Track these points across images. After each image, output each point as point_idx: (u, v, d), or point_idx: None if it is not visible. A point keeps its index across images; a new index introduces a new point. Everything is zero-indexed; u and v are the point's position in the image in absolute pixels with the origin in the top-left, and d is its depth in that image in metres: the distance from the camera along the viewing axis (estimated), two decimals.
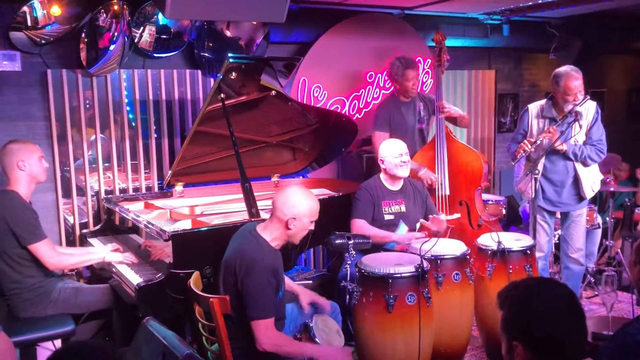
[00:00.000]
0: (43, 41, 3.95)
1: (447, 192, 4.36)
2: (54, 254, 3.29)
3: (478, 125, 6.42)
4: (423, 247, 3.17)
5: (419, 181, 4.11)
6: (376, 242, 3.57)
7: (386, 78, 5.34)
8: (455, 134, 4.63)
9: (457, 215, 4.09)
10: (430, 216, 3.72)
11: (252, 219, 3.33)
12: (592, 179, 4.11)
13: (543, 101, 4.17)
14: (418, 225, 3.84)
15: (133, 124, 4.55)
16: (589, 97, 3.95)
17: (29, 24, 3.87)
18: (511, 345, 1.58)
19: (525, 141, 3.89)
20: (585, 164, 4.06)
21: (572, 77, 3.91)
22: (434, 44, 4.73)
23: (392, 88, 4.75)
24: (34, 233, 3.23)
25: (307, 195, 2.87)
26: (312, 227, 2.90)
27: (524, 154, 3.90)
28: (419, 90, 4.78)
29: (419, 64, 5.36)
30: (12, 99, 4.05)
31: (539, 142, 3.88)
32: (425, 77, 5.59)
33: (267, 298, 2.68)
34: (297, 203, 2.81)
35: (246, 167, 3.58)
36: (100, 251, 3.59)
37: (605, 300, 2.94)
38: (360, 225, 3.67)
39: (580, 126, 3.92)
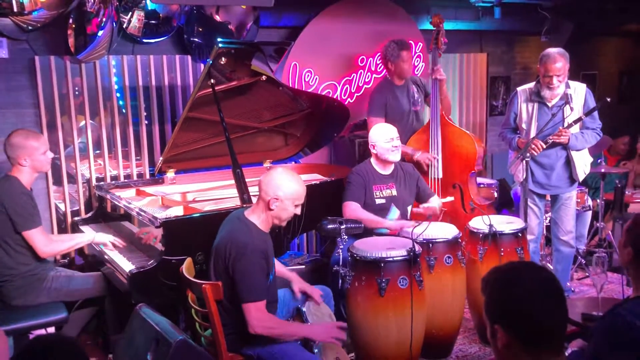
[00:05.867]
0: (30, 27, 3.90)
1: (440, 175, 4.37)
2: (47, 242, 3.30)
3: (470, 108, 6.42)
4: (415, 230, 3.18)
5: (410, 164, 4.12)
6: (369, 226, 3.58)
7: (378, 62, 5.32)
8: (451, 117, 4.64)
9: (450, 199, 4.12)
10: (422, 205, 3.77)
11: (244, 205, 3.32)
12: (584, 162, 4.12)
13: (532, 84, 4.14)
14: (409, 208, 3.86)
15: (123, 110, 4.51)
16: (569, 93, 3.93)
17: (15, 9, 3.81)
18: (493, 329, 1.59)
19: (540, 143, 3.86)
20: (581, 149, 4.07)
21: (553, 58, 3.85)
22: (427, 27, 4.70)
23: (385, 72, 4.73)
24: (29, 219, 3.25)
25: (293, 177, 2.84)
26: (297, 211, 2.86)
27: (535, 154, 3.91)
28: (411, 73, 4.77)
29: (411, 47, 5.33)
30: (0, 87, 4.01)
31: (550, 142, 3.88)
32: (417, 60, 5.56)
33: (258, 281, 2.68)
34: (281, 184, 2.77)
35: (238, 153, 3.57)
36: (89, 234, 3.60)
37: (596, 281, 2.96)
38: (354, 209, 3.67)
39: (572, 109, 3.91)
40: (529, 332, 1.55)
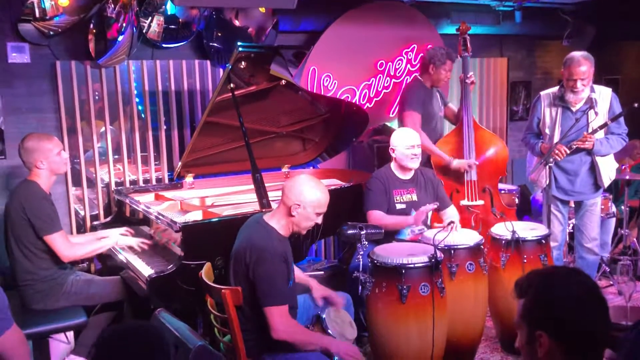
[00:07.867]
0: (51, 32, 3.94)
1: (475, 178, 4.37)
2: (68, 246, 3.30)
3: (490, 113, 6.35)
4: (436, 237, 3.13)
5: (431, 170, 4.07)
6: (395, 228, 3.55)
7: (397, 67, 5.29)
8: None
9: (480, 202, 4.13)
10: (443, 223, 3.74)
11: (263, 210, 3.30)
12: (609, 168, 4.04)
13: (555, 88, 4.08)
14: (430, 214, 3.81)
15: (142, 115, 4.53)
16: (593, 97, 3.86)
17: (37, 15, 3.85)
18: (533, 335, 1.53)
19: (564, 148, 3.80)
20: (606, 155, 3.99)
21: (577, 62, 3.80)
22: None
23: (412, 74, 4.74)
24: (50, 224, 3.24)
25: (317, 185, 2.81)
26: (318, 220, 2.82)
27: (559, 159, 3.85)
28: None
29: None
30: (22, 91, 4.05)
31: (574, 147, 3.82)
32: None
33: (280, 285, 2.65)
34: (304, 191, 2.75)
35: (256, 158, 3.55)
36: (113, 237, 3.58)
37: (623, 289, 2.90)
38: (378, 217, 3.64)
39: (596, 113, 3.84)
40: (576, 338, 1.50)
